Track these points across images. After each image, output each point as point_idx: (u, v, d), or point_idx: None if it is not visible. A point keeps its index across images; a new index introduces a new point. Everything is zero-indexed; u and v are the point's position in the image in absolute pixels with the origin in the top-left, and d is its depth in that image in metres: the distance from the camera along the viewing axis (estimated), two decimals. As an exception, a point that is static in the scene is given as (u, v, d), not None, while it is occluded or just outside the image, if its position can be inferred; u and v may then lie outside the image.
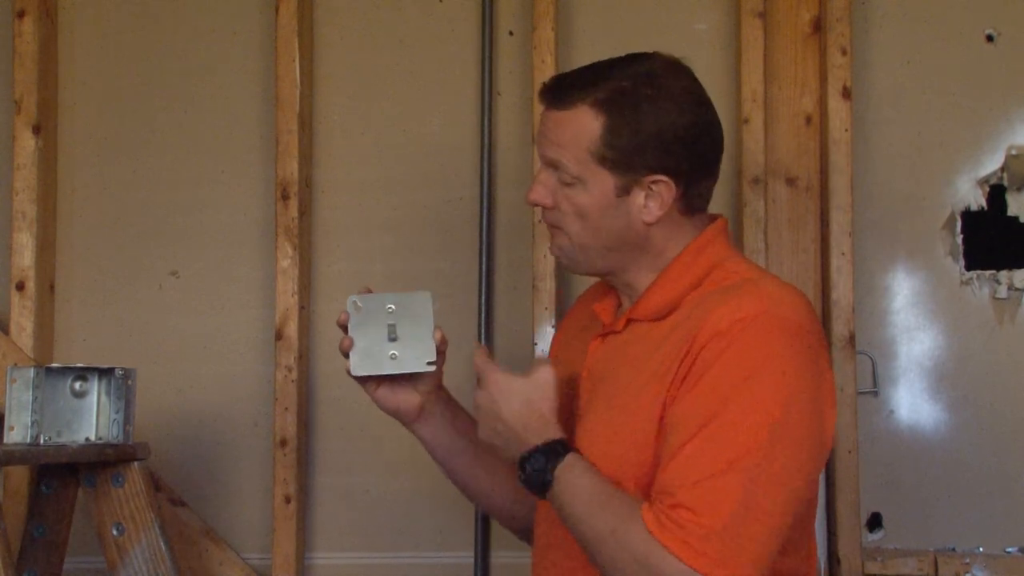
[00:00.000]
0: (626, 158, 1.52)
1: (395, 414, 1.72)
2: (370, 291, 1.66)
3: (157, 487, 2.26)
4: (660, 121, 1.51)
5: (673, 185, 1.53)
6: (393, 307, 1.64)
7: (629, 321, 1.59)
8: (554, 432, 1.52)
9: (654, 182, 1.53)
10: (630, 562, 1.40)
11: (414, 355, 1.63)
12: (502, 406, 1.54)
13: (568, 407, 1.63)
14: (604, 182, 1.53)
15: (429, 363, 1.64)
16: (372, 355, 1.63)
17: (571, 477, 1.48)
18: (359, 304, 1.64)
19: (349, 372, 1.65)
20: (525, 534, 1.75)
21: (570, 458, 1.50)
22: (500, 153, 2.37)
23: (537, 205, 1.61)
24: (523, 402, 1.53)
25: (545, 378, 1.55)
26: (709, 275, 1.55)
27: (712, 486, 1.38)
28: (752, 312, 1.45)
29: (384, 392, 1.69)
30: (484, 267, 2.34)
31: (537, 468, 1.50)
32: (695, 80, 1.57)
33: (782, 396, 1.42)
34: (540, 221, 2.23)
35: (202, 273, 2.42)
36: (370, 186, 2.40)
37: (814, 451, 1.46)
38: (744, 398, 1.41)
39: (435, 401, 1.73)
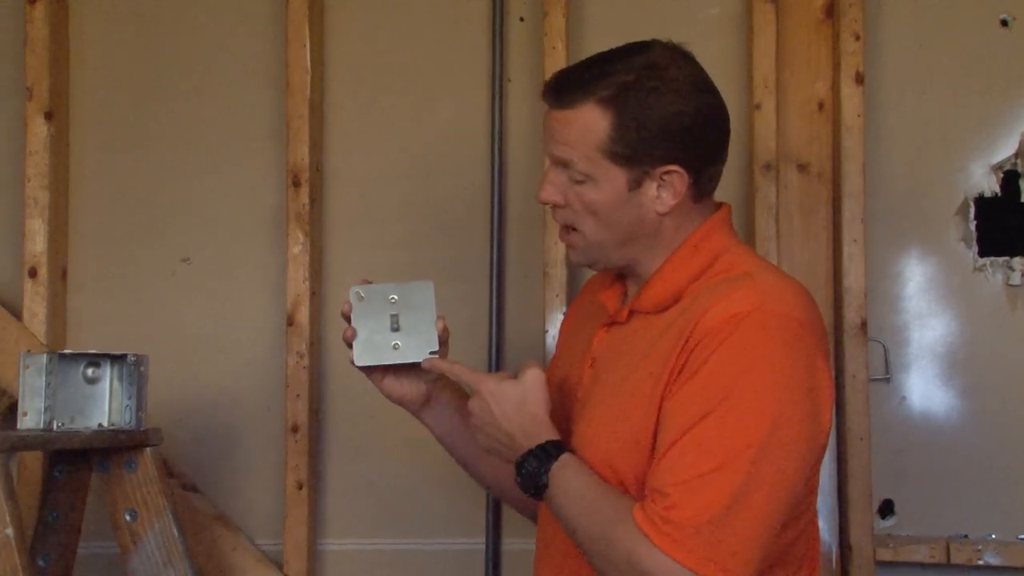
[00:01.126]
0: (636, 152, 1.52)
1: (401, 402, 1.73)
2: (369, 282, 1.68)
3: (169, 473, 2.29)
4: (667, 111, 1.51)
5: (685, 173, 1.54)
6: (395, 297, 1.65)
7: (632, 312, 1.60)
8: (548, 434, 1.54)
9: (666, 173, 1.54)
10: (622, 560, 1.41)
11: (416, 345, 1.65)
12: (496, 412, 1.56)
13: (567, 404, 1.64)
14: (615, 177, 1.54)
15: (431, 352, 1.65)
16: (375, 345, 1.65)
17: (565, 478, 1.50)
18: (361, 294, 1.65)
19: (352, 362, 1.67)
20: (537, 517, 1.75)
21: (564, 459, 1.52)
22: (511, 140, 2.37)
23: (547, 204, 1.61)
24: (516, 407, 1.55)
25: (536, 380, 1.56)
26: (711, 266, 1.55)
27: (702, 484, 1.39)
28: (747, 308, 1.46)
29: (390, 381, 1.71)
30: (495, 254, 2.34)
31: (532, 471, 1.52)
32: (697, 65, 1.57)
33: (775, 394, 1.42)
34: (553, 214, 2.21)
35: (214, 260, 2.43)
36: (380, 173, 2.41)
37: (808, 449, 1.46)
38: (737, 396, 1.41)
39: (441, 389, 1.74)
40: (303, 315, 2.33)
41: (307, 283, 2.33)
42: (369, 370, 1.69)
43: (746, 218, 2.28)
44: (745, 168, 2.29)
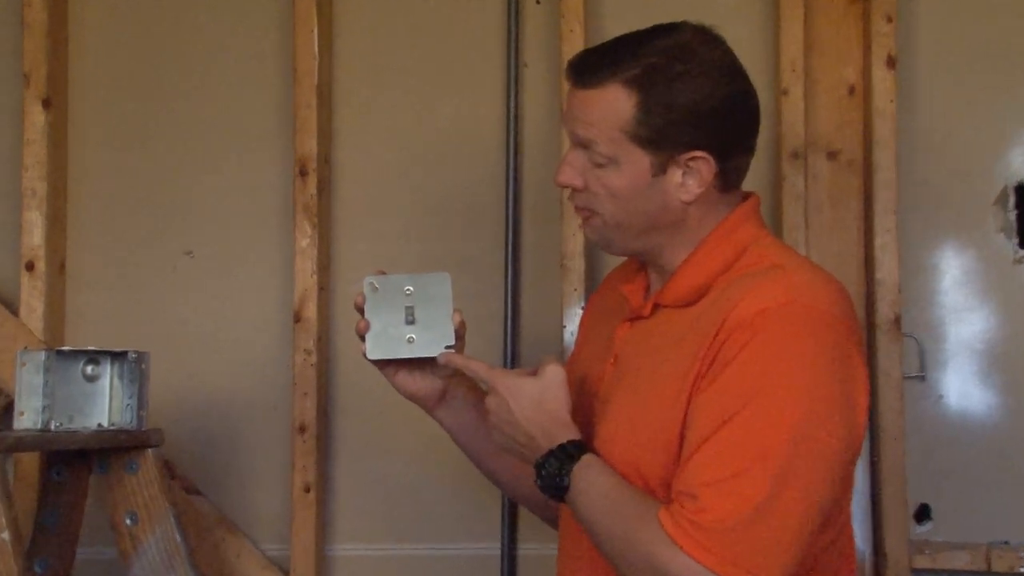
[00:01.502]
0: (661, 135, 1.51)
1: (415, 399, 1.72)
2: (384, 273, 1.67)
3: (171, 475, 2.28)
4: (695, 95, 1.50)
5: (712, 160, 1.53)
6: (411, 289, 1.64)
7: (656, 306, 1.59)
8: (568, 433, 1.53)
9: (692, 159, 1.52)
10: (645, 563, 1.40)
11: (432, 338, 1.64)
12: (514, 410, 1.55)
13: (588, 403, 1.63)
14: (639, 161, 1.53)
15: (447, 347, 1.64)
16: (388, 338, 1.64)
17: (586, 479, 1.49)
18: (376, 285, 1.65)
19: (365, 355, 1.65)
20: (556, 522, 1.74)
21: (585, 459, 1.50)
22: (527, 127, 2.36)
23: (567, 187, 1.60)
24: (534, 405, 1.54)
25: (555, 377, 1.56)
26: (739, 259, 1.55)
27: (732, 486, 1.38)
28: (777, 302, 1.44)
29: (404, 376, 1.70)
30: (510, 246, 2.33)
31: (552, 471, 1.51)
32: (728, 49, 1.56)
33: (808, 391, 1.41)
34: (569, 197, 2.18)
35: (218, 253, 2.42)
36: (391, 163, 2.40)
37: (842, 448, 1.44)
38: (767, 394, 1.40)
39: (457, 385, 1.73)
40: (311, 310, 2.32)
41: (315, 277, 2.32)
42: (382, 364, 1.68)
43: (773, 208, 2.26)
44: (772, 156, 2.27)
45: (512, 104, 2.35)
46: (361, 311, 1.66)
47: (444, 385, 1.72)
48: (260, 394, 2.38)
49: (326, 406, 2.36)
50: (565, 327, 2.26)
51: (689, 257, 1.57)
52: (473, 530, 2.33)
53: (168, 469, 2.26)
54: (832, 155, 2.26)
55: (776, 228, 2.22)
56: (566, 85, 1.60)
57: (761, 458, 1.38)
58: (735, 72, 1.55)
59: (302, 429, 2.30)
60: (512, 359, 2.32)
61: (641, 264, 1.67)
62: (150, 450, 1.96)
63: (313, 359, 2.31)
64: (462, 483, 2.29)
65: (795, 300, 1.45)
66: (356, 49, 2.41)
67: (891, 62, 2.21)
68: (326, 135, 2.37)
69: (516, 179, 2.34)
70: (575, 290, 2.27)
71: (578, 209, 1.62)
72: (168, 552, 1.94)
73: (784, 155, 2.24)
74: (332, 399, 2.38)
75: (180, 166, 2.43)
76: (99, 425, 1.95)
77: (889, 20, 2.21)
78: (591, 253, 2.28)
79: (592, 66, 1.54)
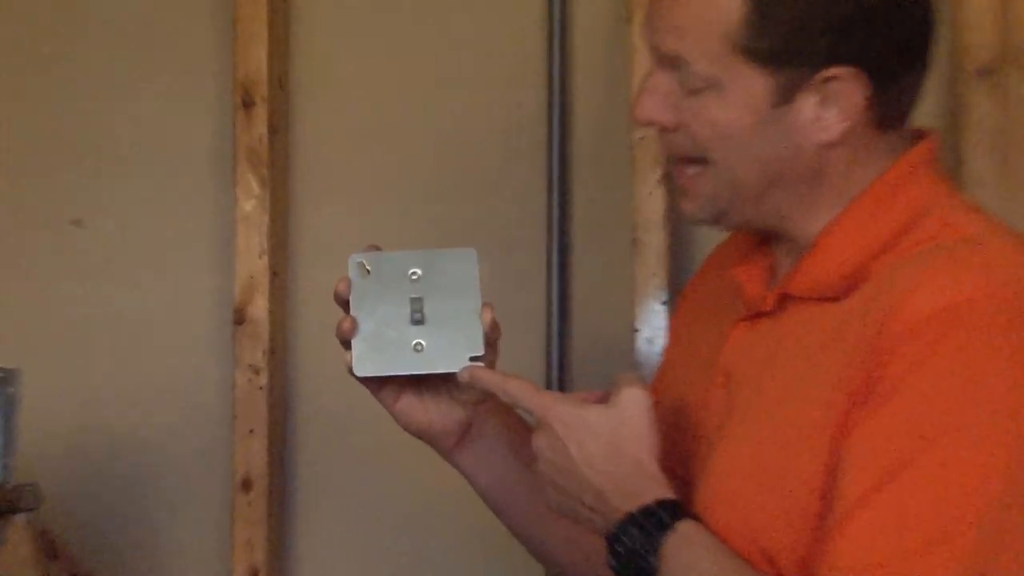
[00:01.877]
0: (785, 46, 1.43)
1: (425, 436, 1.61)
2: (378, 249, 1.59)
3: (52, 553, 2.12)
4: None
5: (863, 82, 1.43)
6: (419, 272, 1.56)
7: (785, 297, 1.49)
8: (656, 489, 1.45)
9: (830, 79, 1.42)
10: None
11: (450, 345, 1.54)
12: (575, 455, 1.48)
13: (686, 443, 1.57)
14: (752, 85, 1.44)
15: (473, 358, 1.53)
16: (386, 345, 1.54)
17: (685, 559, 1.42)
18: (367, 267, 1.57)
19: (350, 370, 1.52)
20: None
21: (683, 528, 1.42)
22: (578, 38, 2.31)
23: (650, 124, 1.52)
24: (606, 447, 1.47)
25: (636, 406, 1.48)
26: (910, 229, 1.44)
27: (910, 567, 1.29)
28: (968, 295, 1.34)
29: (409, 402, 1.58)
30: (556, 210, 2.28)
31: (634, 547, 1.43)
32: None
33: (1018, 429, 1.32)
34: (642, 139, 2.15)
35: (122, 223, 2.37)
36: (379, 89, 2.36)
37: None
38: (957, 434, 1.32)
39: (486, 416, 1.64)
40: (259, 307, 2.28)
41: (265, 258, 2.29)
42: (376, 384, 1.56)
43: (949, 151, 2.13)
44: (948, 75, 2.16)
45: (556, 4, 2.30)
46: (345, 304, 1.55)
47: (468, 416, 1.61)
48: (185, 432, 2.35)
49: (282, 450, 2.32)
50: (638, 331, 2.20)
51: (833, 225, 1.47)
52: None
53: (47, 544, 2.08)
54: (1039, 72, 2.12)
55: (954, 180, 2.05)
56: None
57: (947, 529, 1.29)
58: None
59: (246, 485, 2.25)
60: (560, 377, 2.27)
61: (760, 235, 1.57)
62: (20, 516, 1.93)
63: (262, 379, 2.27)
64: (486, 558, 2.26)
65: (995, 293, 1.35)
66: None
67: None
68: (281, 47, 2.34)
69: (563, 111, 2.29)
70: (653, 275, 2.20)
71: (674, 160, 1.51)
72: (44, 667, 1.88)
73: (967, 73, 2.15)
74: (291, 439, 2.34)
75: (71, 91, 2.40)
76: (-55, 478, 1.89)
77: None
78: (676, 221, 2.20)
79: None
